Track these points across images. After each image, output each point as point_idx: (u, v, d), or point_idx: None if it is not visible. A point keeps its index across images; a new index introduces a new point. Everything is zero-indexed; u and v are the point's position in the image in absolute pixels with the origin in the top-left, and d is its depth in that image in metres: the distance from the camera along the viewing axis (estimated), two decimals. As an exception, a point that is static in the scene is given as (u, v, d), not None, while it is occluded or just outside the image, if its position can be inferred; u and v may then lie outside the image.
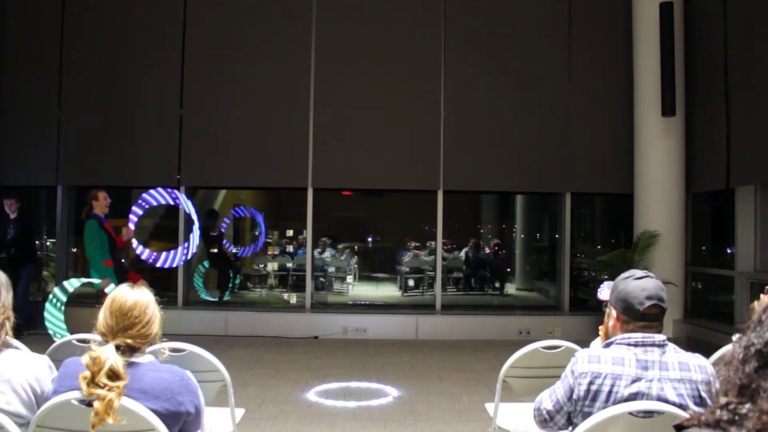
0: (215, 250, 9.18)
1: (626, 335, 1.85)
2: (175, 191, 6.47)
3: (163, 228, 9.44)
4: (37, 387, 1.87)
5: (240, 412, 2.86)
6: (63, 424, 1.79)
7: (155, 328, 1.91)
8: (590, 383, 1.80)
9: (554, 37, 7.84)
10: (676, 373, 1.78)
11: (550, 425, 1.92)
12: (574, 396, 1.83)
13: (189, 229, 7.01)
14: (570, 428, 1.89)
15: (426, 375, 5.64)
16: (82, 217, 5.53)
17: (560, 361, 2.64)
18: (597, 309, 7.56)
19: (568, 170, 7.78)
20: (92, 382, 1.72)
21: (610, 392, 1.79)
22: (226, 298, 8.82)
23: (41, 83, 7.79)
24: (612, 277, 2.04)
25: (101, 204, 5.54)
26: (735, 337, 1.10)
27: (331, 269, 10.47)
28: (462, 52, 7.81)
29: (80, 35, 7.81)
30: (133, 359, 1.84)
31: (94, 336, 1.99)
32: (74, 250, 8.50)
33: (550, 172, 7.82)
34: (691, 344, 6.44)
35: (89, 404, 1.72)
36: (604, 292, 2.09)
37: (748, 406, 0.91)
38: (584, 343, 2.72)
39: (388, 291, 11.09)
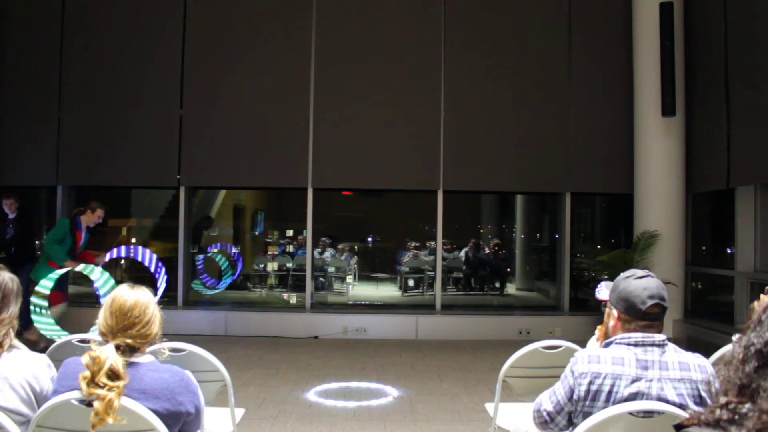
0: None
1: (626, 335, 1.85)
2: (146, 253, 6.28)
3: (163, 228, 9.45)
4: (35, 385, 1.87)
5: (240, 412, 2.86)
6: (63, 424, 1.79)
7: (155, 328, 1.91)
8: (590, 383, 1.80)
9: (554, 37, 7.84)
10: (676, 372, 1.78)
11: (550, 426, 1.91)
12: (575, 396, 1.83)
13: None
14: (570, 429, 1.88)
15: (426, 375, 5.64)
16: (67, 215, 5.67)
17: (560, 361, 2.64)
18: (597, 309, 7.55)
19: (568, 170, 7.78)
20: (92, 381, 1.72)
21: (610, 392, 1.78)
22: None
23: (41, 83, 7.79)
24: (612, 277, 2.04)
25: (90, 218, 5.78)
26: (735, 337, 1.11)
27: (331, 269, 10.47)
28: (462, 52, 7.81)
29: (80, 35, 7.82)
30: (133, 359, 1.84)
31: (94, 335, 1.99)
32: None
33: (550, 172, 7.82)
34: (691, 344, 6.44)
35: (89, 404, 1.72)
36: (603, 292, 2.09)
37: (748, 405, 0.91)
38: (584, 344, 2.72)
39: (388, 291, 11.09)
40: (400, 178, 7.85)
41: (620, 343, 1.85)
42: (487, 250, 11.11)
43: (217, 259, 8.69)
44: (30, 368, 1.88)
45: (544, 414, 1.91)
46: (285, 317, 7.61)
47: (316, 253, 9.18)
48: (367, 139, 7.76)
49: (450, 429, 4.18)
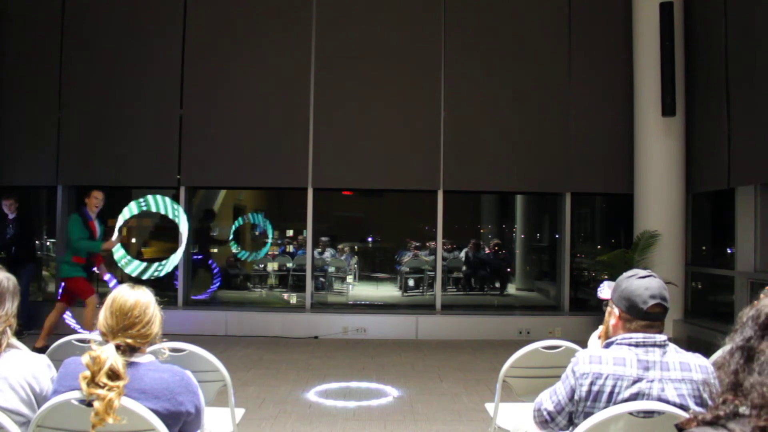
0: (215, 250, 9.20)
1: (627, 335, 1.85)
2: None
3: (163, 228, 9.45)
4: (35, 385, 1.87)
5: (240, 412, 2.86)
6: (63, 424, 1.79)
7: (155, 328, 1.91)
8: (591, 384, 1.80)
9: (554, 37, 7.84)
10: (677, 373, 1.78)
11: (551, 426, 1.91)
12: (576, 397, 1.83)
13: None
14: (571, 428, 1.88)
15: (426, 375, 5.64)
16: (75, 211, 5.87)
17: (560, 361, 2.64)
18: (597, 309, 7.55)
19: (568, 170, 7.78)
20: (92, 381, 1.72)
21: (611, 393, 1.78)
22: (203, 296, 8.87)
23: (41, 83, 7.79)
24: (612, 277, 2.04)
25: (91, 203, 5.93)
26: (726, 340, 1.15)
27: (331, 269, 10.47)
28: (462, 52, 7.81)
29: (80, 35, 7.81)
30: (133, 359, 1.84)
31: (94, 336, 1.99)
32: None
33: (550, 172, 7.82)
34: (691, 344, 6.43)
35: (89, 404, 1.72)
36: (605, 291, 2.09)
37: (743, 408, 0.93)
38: (584, 344, 2.73)
39: (388, 291, 11.09)
40: (400, 178, 7.85)
41: (621, 344, 1.85)
42: (487, 250, 11.11)
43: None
44: (30, 368, 1.88)
45: (545, 413, 1.91)
46: (285, 317, 7.60)
47: (316, 253, 9.18)
48: (367, 139, 7.76)
49: (450, 429, 4.18)
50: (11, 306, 1.92)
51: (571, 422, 1.88)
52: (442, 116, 7.75)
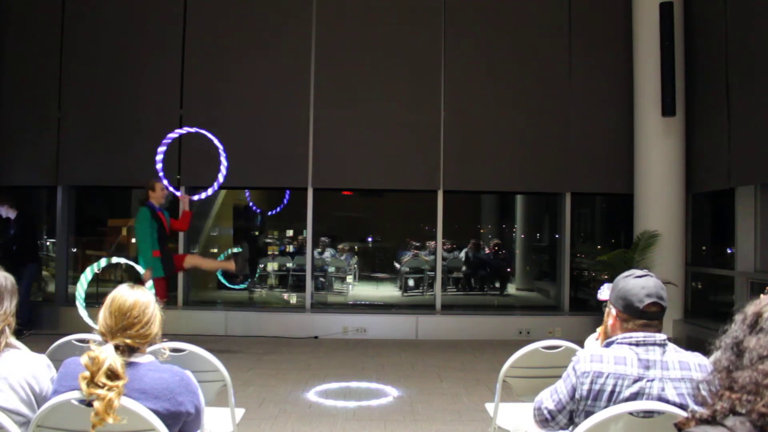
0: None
1: (627, 334, 1.85)
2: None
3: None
4: (35, 385, 1.87)
5: (240, 412, 2.86)
6: (63, 424, 1.79)
7: (155, 328, 1.90)
8: (592, 382, 1.80)
9: (554, 37, 7.84)
10: (677, 372, 1.79)
11: (551, 425, 1.91)
12: (577, 395, 1.83)
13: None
14: (571, 428, 1.88)
15: (426, 375, 5.64)
16: (139, 205, 5.69)
17: (560, 361, 2.64)
18: (597, 309, 7.55)
19: (568, 170, 7.78)
20: (92, 382, 1.72)
21: (612, 392, 1.79)
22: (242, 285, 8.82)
23: (41, 83, 7.79)
24: (612, 278, 2.05)
25: (157, 195, 5.70)
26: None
27: (331, 269, 10.47)
28: (462, 51, 7.81)
29: (80, 35, 7.81)
30: (133, 359, 1.84)
31: (93, 336, 1.99)
32: (74, 250, 8.50)
33: (550, 172, 7.82)
34: (691, 344, 6.42)
35: (89, 404, 1.72)
36: (604, 292, 2.09)
37: (740, 406, 0.95)
38: (584, 344, 2.73)
39: (388, 291, 11.09)
40: (400, 178, 7.85)
41: (621, 343, 1.85)
42: (487, 250, 11.11)
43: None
44: (30, 368, 1.88)
45: (545, 412, 1.91)
46: (285, 317, 7.61)
47: (315, 253, 9.18)
48: (367, 139, 7.76)
49: (450, 429, 4.18)
50: (10, 305, 1.92)
51: (572, 421, 1.88)
52: (442, 116, 7.74)
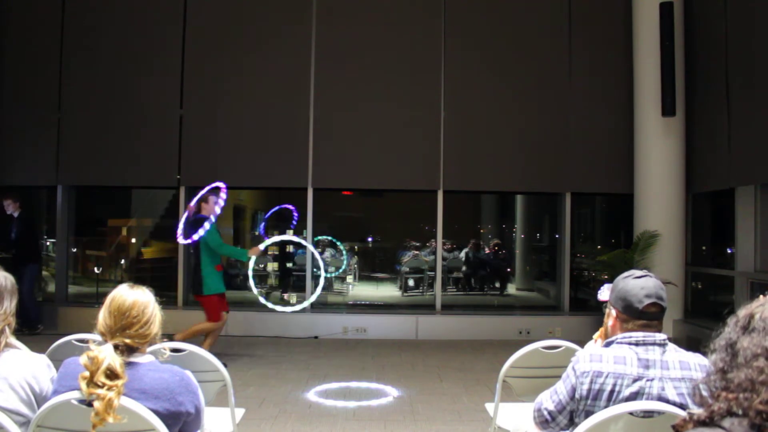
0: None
1: (627, 334, 1.85)
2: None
3: (164, 228, 9.45)
4: (35, 385, 1.87)
5: (240, 412, 2.86)
6: (63, 424, 1.79)
7: (154, 328, 1.90)
8: (592, 382, 1.80)
9: (554, 37, 7.84)
10: (677, 372, 1.78)
11: (551, 425, 1.91)
12: (577, 395, 1.83)
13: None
14: (572, 428, 1.88)
15: (426, 375, 5.64)
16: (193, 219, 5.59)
17: (560, 361, 2.64)
18: (597, 309, 7.55)
19: (568, 170, 7.78)
20: (91, 381, 1.72)
21: (612, 391, 1.79)
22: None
23: (41, 83, 7.79)
24: (612, 278, 2.05)
25: (210, 207, 5.59)
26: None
27: (331, 269, 10.46)
28: (462, 51, 7.81)
29: (80, 35, 7.81)
30: (133, 359, 1.84)
31: (93, 336, 1.99)
32: (74, 250, 8.50)
33: (550, 172, 7.82)
34: (691, 344, 6.43)
35: (89, 404, 1.72)
36: (604, 293, 2.09)
37: (737, 408, 0.96)
38: (584, 344, 2.72)
39: (388, 291, 11.09)
40: (400, 178, 7.85)
41: (621, 343, 1.85)
42: (487, 250, 11.11)
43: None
44: (30, 368, 1.88)
45: (545, 413, 1.90)
46: (285, 317, 7.60)
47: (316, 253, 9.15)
48: (367, 139, 7.76)
49: (450, 429, 4.18)
50: (10, 305, 1.92)
51: (572, 421, 1.87)
52: (442, 116, 7.74)
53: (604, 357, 1.82)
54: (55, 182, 7.80)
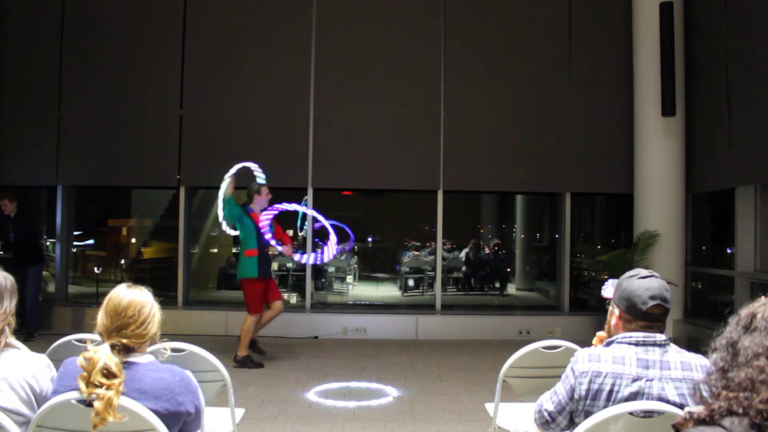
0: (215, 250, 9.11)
1: (627, 334, 1.85)
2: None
3: (164, 228, 9.45)
4: (35, 385, 1.87)
5: (240, 412, 2.86)
6: (63, 424, 1.79)
7: (152, 328, 1.89)
8: (591, 382, 1.80)
9: (554, 37, 7.84)
10: (678, 372, 1.78)
11: (552, 427, 1.91)
12: (576, 395, 1.83)
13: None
14: (572, 429, 1.88)
15: (426, 375, 5.64)
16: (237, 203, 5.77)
17: (560, 361, 2.63)
18: (597, 309, 7.56)
19: (568, 170, 7.78)
20: (89, 382, 1.72)
21: (611, 391, 1.78)
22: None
23: (41, 83, 7.78)
24: (613, 278, 2.04)
25: (262, 200, 5.81)
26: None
27: (331, 269, 10.46)
28: (462, 51, 7.81)
29: (80, 35, 7.81)
30: (132, 359, 1.84)
31: (92, 336, 1.99)
32: (74, 250, 8.50)
33: (550, 172, 7.82)
34: (691, 344, 6.43)
35: (89, 404, 1.72)
36: (608, 289, 2.08)
37: (737, 407, 0.96)
38: (584, 344, 2.72)
39: (388, 291, 11.09)
40: (400, 178, 7.85)
41: (621, 342, 1.85)
42: (487, 250, 11.10)
43: None
44: (29, 368, 1.88)
45: (545, 414, 1.90)
46: (285, 317, 7.57)
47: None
48: (367, 139, 7.76)
49: (450, 429, 4.18)
50: (9, 305, 1.92)
51: (572, 422, 1.87)
52: (442, 116, 7.74)
53: (603, 357, 1.82)
54: (55, 182, 7.80)
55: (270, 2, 7.85)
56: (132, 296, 1.88)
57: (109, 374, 1.73)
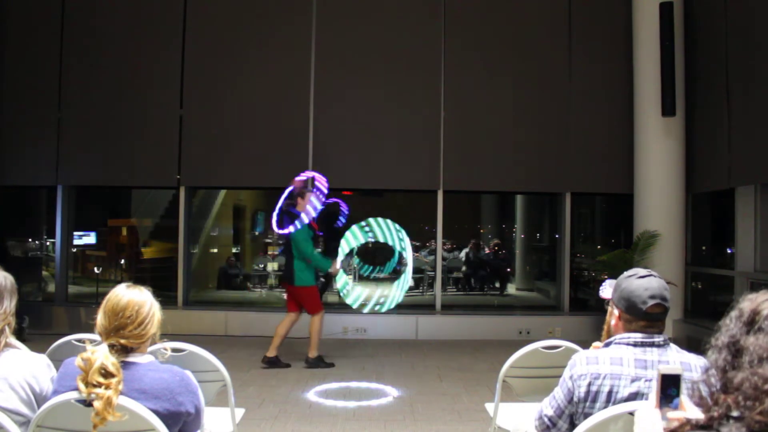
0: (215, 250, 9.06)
1: (626, 335, 1.84)
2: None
3: (164, 228, 9.45)
4: (35, 385, 1.87)
5: (240, 412, 2.86)
6: (63, 424, 1.79)
7: (151, 328, 1.88)
8: (589, 384, 1.80)
9: (554, 37, 7.84)
10: (677, 372, 1.78)
11: (552, 431, 1.91)
12: (575, 398, 1.82)
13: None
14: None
15: (426, 375, 5.64)
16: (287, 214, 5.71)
17: (560, 361, 2.63)
18: (597, 309, 7.55)
19: (568, 170, 7.78)
20: (88, 382, 1.72)
21: (610, 392, 1.78)
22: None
23: (41, 83, 7.78)
24: (612, 277, 2.03)
25: (305, 203, 5.73)
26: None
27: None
28: (462, 51, 7.81)
29: (80, 35, 7.81)
30: (132, 359, 1.84)
31: (92, 336, 1.98)
32: (74, 250, 8.50)
33: (550, 172, 7.82)
34: (691, 344, 6.43)
35: (89, 404, 1.72)
36: (606, 290, 2.07)
37: (736, 412, 0.92)
38: (584, 343, 2.72)
39: (388, 291, 11.06)
40: (400, 178, 7.85)
41: (620, 343, 1.84)
42: (487, 250, 11.10)
43: None
44: (29, 368, 1.88)
45: (545, 419, 1.90)
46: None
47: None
48: (367, 139, 7.76)
49: (450, 429, 4.18)
50: (9, 304, 1.92)
51: (573, 425, 1.87)
52: (442, 116, 7.74)
53: (601, 359, 1.81)
54: (55, 182, 7.79)
55: (270, 2, 7.85)
56: (130, 296, 1.87)
57: (106, 374, 1.73)
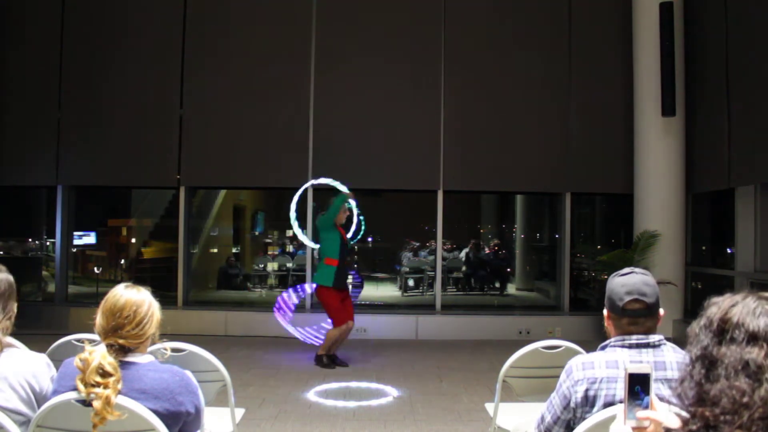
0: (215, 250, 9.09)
1: (620, 337, 1.84)
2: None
3: (164, 228, 9.45)
4: (35, 385, 1.86)
5: (240, 412, 2.86)
6: (63, 423, 1.79)
7: (150, 328, 1.88)
8: (587, 390, 1.79)
9: (554, 37, 7.84)
10: (674, 372, 1.78)
11: None
12: (572, 404, 1.82)
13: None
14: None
15: (426, 375, 5.64)
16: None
17: (560, 361, 2.63)
18: (597, 309, 7.56)
19: (568, 170, 7.78)
20: (86, 382, 1.72)
21: (607, 395, 1.78)
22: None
23: (41, 83, 7.79)
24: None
25: (341, 214, 5.80)
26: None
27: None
28: (462, 51, 7.81)
29: (80, 35, 7.82)
30: (131, 359, 1.83)
31: (91, 336, 1.98)
32: (74, 250, 8.50)
33: (550, 172, 7.82)
34: (691, 344, 6.42)
35: (89, 404, 1.72)
36: None
37: (713, 420, 0.91)
38: (584, 343, 2.73)
39: (388, 291, 11.09)
40: (400, 178, 7.85)
41: (614, 346, 1.84)
42: (487, 250, 11.10)
43: None
44: (29, 368, 1.88)
45: (543, 428, 1.90)
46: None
47: (316, 253, 9.15)
48: (367, 139, 7.76)
49: (450, 429, 4.18)
50: (9, 305, 1.92)
51: (571, 430, 1.86)
52: (442, 116, 7.74)
53: (596, 363, 1.81)
54: (55, 182, 7.80)
55: (270, 2, 7.85)
56: (128, 296, 1.87)
57: (104, 374, 1.72)
